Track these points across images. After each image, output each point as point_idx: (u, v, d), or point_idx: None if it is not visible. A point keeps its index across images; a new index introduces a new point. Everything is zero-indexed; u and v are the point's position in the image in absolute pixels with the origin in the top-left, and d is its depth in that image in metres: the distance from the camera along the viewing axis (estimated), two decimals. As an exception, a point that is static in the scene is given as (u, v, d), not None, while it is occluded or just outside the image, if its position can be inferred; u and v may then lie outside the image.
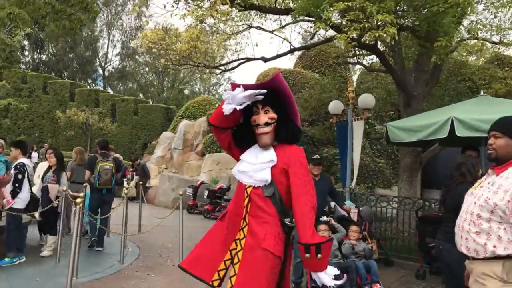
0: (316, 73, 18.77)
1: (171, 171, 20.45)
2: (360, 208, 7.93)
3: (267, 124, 2.82)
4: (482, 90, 8.04)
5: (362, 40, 9.48)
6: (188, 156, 20.67)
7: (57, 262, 6.54)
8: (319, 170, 5.68)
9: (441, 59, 8.04)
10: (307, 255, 2.57)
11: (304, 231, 2.63)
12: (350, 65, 19.65)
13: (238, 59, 12.18)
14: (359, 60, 12.06)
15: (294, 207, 2.72)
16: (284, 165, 2.80)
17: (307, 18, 9.86)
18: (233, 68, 12.36)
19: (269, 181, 2.77)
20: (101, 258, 7.10)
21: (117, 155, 9.32)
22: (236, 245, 2.84)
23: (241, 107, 2.72)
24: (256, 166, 2.83)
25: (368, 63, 12.87)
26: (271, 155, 2.83)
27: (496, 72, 10.78)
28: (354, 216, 7.63)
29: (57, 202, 6.84)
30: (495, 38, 11.38)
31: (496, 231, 2.48)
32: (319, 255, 2.56)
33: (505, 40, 10.93)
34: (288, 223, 2.77)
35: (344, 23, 8.14)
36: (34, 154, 19.46)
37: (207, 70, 12.76)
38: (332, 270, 2.70)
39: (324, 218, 5.94)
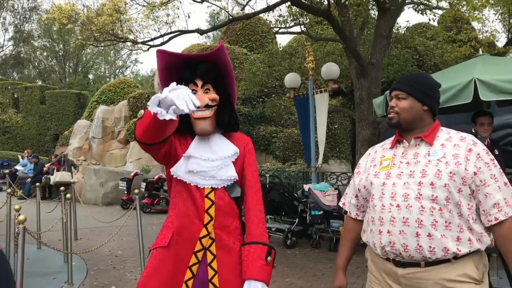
0: (243, 48, 17.84)
1: (91, 163, 18.57)
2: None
3: (208, 106, 2.20)
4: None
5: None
6: (110, 145, 18.87)
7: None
8: None
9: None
10: (269, 258, 2.14)
11: (264, 231, 2.23)
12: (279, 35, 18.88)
13: (170, 33, 10.84)
14: (302, 29, 11.21)
15: (250, 203, 2.28)
16: (241, 156, 2.32)
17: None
18: (163, 43, 11.01)
19: (237, 178, 2.26)
20: (42, 280, 5.59)
21: None
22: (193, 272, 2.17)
23: (173, 116, 1.80)
24: (217, 162, 2.22)
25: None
26: (232, 146, 2.28)
27: (453, 36, 10.52)
28: (334, 198, 6.90)
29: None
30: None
31: (468, 217, 1.87)
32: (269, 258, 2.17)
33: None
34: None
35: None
36: None
37: (134, 46, 11.20)
38: None
39: None
